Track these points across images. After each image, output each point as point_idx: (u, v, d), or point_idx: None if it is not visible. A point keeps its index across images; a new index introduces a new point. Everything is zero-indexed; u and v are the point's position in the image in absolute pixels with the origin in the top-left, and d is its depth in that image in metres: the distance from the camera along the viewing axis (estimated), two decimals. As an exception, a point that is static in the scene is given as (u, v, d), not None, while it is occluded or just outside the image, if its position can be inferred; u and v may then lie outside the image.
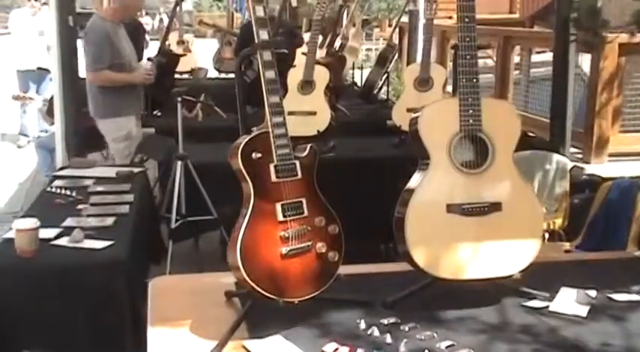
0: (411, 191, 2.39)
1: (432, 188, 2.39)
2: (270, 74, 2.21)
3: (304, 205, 2.25)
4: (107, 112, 5.15)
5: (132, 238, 3.35)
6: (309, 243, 2.25)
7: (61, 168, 4.76)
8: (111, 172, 4.55)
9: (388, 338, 2.20)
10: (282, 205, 2.21)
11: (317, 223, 2.27)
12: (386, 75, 7.23)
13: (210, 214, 4.78)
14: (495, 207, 2.41)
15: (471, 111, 2.40)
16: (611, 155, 5.64)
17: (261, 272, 2.16)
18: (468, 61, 2.41)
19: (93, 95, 5.14)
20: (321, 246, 2.26)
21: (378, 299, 2.44)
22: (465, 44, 2.40)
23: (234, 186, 4.82)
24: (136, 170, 4.64)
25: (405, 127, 5.28)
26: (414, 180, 2.42)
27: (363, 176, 5.07)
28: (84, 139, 6.85)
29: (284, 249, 2.20)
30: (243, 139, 2.19)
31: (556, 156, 4.79)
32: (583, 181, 5.02)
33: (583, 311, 2.40)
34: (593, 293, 2.53)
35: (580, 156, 5.81)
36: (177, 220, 4.72)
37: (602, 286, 2.60)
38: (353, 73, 9.11)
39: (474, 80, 2.41)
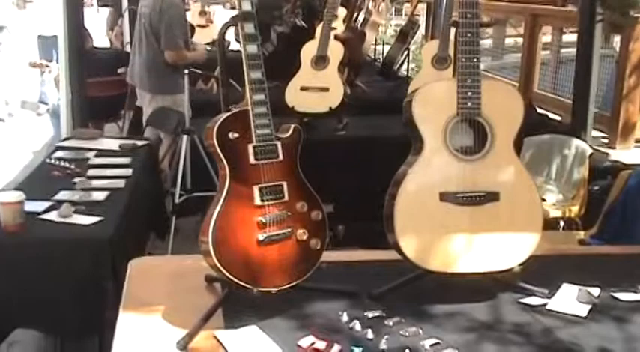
0: (402, 177, 2.24)
1: (424, 174, 2.24)
2: (252, 48, 2.06)
3: (285, 189, 2.11)
4: (171, 89, 5.20)
5: (123, 214, 3.24)
6: (289, 230, 2.11)
7: (65, 139, 4.66)
8: (115, 144, 4.45)
9: (369, 333, 2.06)
10: (260, 188, 2.07)
11: (298, 208, 2.13)
12: (407, 51, 7.04)
13: (215, 190, 4.66)
14: (492, 196, 2.25)
15: (469, 94, 2.24)
16: (638, 141, 5.44)
17: (235, 259, 2.03)
18: (468, 38, 2.24)
19: (158, 71, 5.22)
20: (302, 233, 2.13)
21: (365, 290, 2.30)
22: (466, 21, 2.23)
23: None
24: (140, 143, 4.53)
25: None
26: (406, 166, 2.26)
27: (376, 155, 4.93)
28: (100, 110, 6.81)
29: (261, 236, 2.06)
30: (219, 118, 2.04)
31: (575, 141, 4.60)
32: (605, 168, 4.82)
33: (583, 310, 2.25)
34: (596, 291, 2.37)
35: (605, 141, 5.62)
36: (181, 195, 4.63)
37: (608, 284, 2.43)
38: (375, 49, 8.91)
39: (475, 60, 2.24)
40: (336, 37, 6.46)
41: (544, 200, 4.62)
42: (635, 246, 3.10)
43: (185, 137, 4.62)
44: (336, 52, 5.18)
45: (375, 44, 8.73)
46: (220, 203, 2.03)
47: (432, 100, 2.27)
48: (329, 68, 5.14)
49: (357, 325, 2.11)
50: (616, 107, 5.48)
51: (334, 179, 4.97)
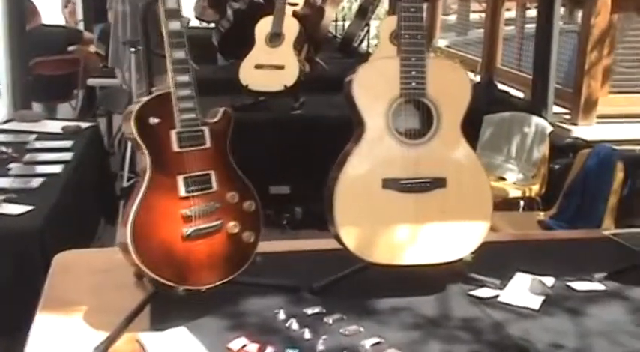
0: (342, 163, 2.08)
1: (365, 160, 2.09)
2: (175, 25, 1.88)
3: (213, 179, 1.94)
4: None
5: (57, 202, 3.06)
6: (219, 223, 1.95)
7: (6, 122, 4.44)
8: (58, 127, 4.24)
9: (307, 333, 1.91)
10: (184, 179, 1.90)
11: (229, 199, 1.96)
12: (367, 27, 6.86)
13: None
14: (439, 182, 2.11)
15: (413, 73, 2.08)
16: (600, 117, 5.33)
17: (158, 256, 1.87)
18: (411, 14, 2.08)
19: None
20: (233, 226, 1.97)
21: (305, 284, 2.15)
22: (409, -6, 2.07)
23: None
24: (84, 125, 4.32)
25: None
26: (346, 151, 2.11)
27: (334, 135, 4.75)
28: (51, 89, 6.57)
29: (186, 230, 1.90)
30: (139, 102, 1.87)
31: (535, 119, 4.49)
32: (566, 145, 4.72)
33: (536, 302, 2.12)
34: (550, 280, 2.24)
35: (568, 117, 5.51)
36: (131, 178, 4.44)
37: (563, 272, 2.31)
38: (336, 26, 8.72)
39: (419, 36, 2.09)
40: (294, 14, 6.28)
41: (504, 179, 4.51)
42: (592, 230, 2.99)
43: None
44: (291, 28, 5.00)
45: (336, 21, 8.53)
46: (140, 195, 1.86)
47: (374, 80, 2.11)
48: (284, 45, 4.96)
49: (293, 324, 1.95)
50: (578, 83, 5.36)
51: (291, 160, 4.82)
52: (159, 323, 1.93)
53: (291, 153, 4.77)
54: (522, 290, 2.19)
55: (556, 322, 2.03)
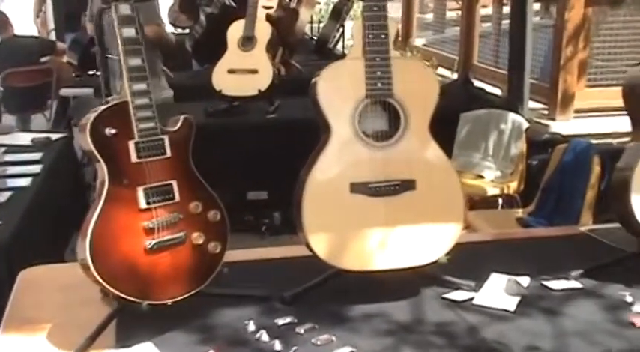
0: (309, 168, 2.03)
1: (332, 164, 2.04)
2: (129, 32, 1.82)
3: (175, 189, 1.88)
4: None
5: (25, 216, 2.99)
6: (182, 234, 1.89)
7: (-25, 135, 4.36)
8: (28, 139, 4.16)
9: (277, 344, 1.86)
10: (144, 190, 1.84)
11: (192, 210, 1.91)
12: (342, 28, 6.82)
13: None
14: (408, 185, 2.06)
15: (379, 73, 2.04)
16: (577, 111, 5.31)
17: (119, 271, 1.81)
18: (375, 13, 2.04)
19: None
20: (197, 237, 1.91)
21: (276, 294, 2.09)
22: (372, -7, 2.02)
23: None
24: (55, 136, 4.25)
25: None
26: (313, 156, 2.06)
27: (310, 138, 4.71)
28: (24, 100, 6.49)
29: (148, 242, 1.84)
30: (94, 112, 1.81)
31: (512, 115, 4.45)
32: (544, 140, 4.68)
33: (512, 304, 2.07)
34: (525, 280, 2.20)
35: (546, 112, 5.48)
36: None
37: (539, 271, 2.27)
38: (312, 28, 8.67)
39: (383, 36, 2.05)
40: (267, 17, 6.22)
41: (482, 177, 4.47)
42: (569, 227, 2.95)
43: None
44: (263, 32, 4.94)
45: (311, 22, 8.48)
46: (99, 209, 1.80)
47: (339, 82, 2.07)
48: (256, 49, 4.90)
49: (263, 335, 1.90)
50: (554, 78, 5.34)
51: (268, 164, 4.76)
52: (125, 339, 1.88)
53: (267, 157, 4.71)
54: (498, 291, 2.15)
55: (532, 323, 1.99)
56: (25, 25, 7.51)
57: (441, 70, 6.78)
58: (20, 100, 6.51)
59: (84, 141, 1.81)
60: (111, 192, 1.82)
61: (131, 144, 1.83)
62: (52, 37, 7.20)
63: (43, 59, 6.56)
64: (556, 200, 3.69)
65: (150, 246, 1.84)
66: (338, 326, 1.96)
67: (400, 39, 4.96)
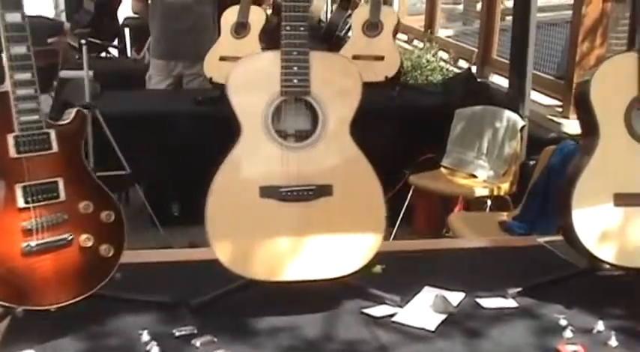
0: (217, 171, 1.88)
1: (240, 166, 1.90)
2: (14, 17, 1.69)
3: (60, 187, 1.75)
4: None
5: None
6: (68, 236, 1.76)
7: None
8: None
9: (164, 359, 1.73)
10: (23, 188, 1.71)
11: (82, 209, 1.78)
12: (350, 17, 6.61)
13: (124, 169, 4.34)
14: (324, 190, 1.90)
15: (295, 69, 1.88)
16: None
17: (-9, 274, 1.69)
18: (293, 2, 1.88)
19: None
20: (86, 239, 1.78)
21: (184, 300, 1.96)
22: (288, -19, 1.87)
23: (154, 139, 4.41)
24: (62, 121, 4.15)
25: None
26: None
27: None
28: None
29: (25, 244, 1.71)
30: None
31: (507, 113, 4.24)
32: (549, 139, 4.45)
33: (433, 323, 1.91)
34: (459, 296, 2.04)
35: (560, 110, 5.25)
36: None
37: (477, 286, 2.10)
38: (326, 14, 8.48)
39: (301, 28, 1.89)
40: (274, 3, 6.08)
41: (475, 176, 4.28)
42: (526, 238, 2.77)
43: (85, 112, 4.24)
44: (257, 18, 4.79)
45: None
46: (-29, 207, 1.67)
47: (252, 76, 1.92)
48: (250, 36, 4.75)
49: (154, 348, 1.77)
50: (569, 74, 5.11)
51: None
52: (6, 347, 1.76)
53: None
54: (424, 307, 1.99)
55: (448, 345, 1.83)
56: (36, 4, 7.46)
57: (462, 63, 6.57)
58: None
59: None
60: (-15, 189, 1.69)
61: (10, 138, 1.70)
62: (62, 17, 7.13)
63: (50, 40, 6.50)
64: (540, 204, 3.49)
65: (27, 249, 1.71)
66: (239, 341, 1.83)
67: (397, 28, 4.73)
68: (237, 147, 1.89)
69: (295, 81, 1.87)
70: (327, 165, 1.91)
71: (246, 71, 1.91)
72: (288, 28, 1.88)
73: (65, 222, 1.76)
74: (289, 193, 1.88)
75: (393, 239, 4.16)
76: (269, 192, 1.88)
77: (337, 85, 1.92)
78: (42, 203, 1.73)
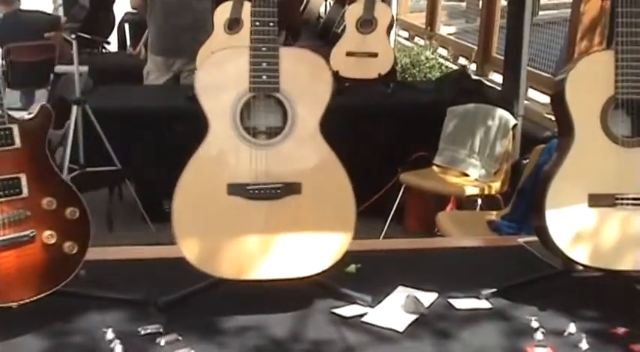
0: (183, 167, 1.86)
1: (208, 163, 1.87)
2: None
3: (23, 183, 1.74)
4: None
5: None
6: (30, 232, 1.74)
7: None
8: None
9: (127, 357, 1.71)
10: (-16, 184, 1.70)
11: (45, 206, 1.76)
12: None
13: (114, 164, 4.33)
14: (292, 188, 1.88)
15: (264, 65, 1.85)
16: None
17: (-50, 271, 1.67)
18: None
19: None
20: (49, 236, 1.76)
21: (154, 298, 1.94)
22: (257, -25, 1.84)
23: (146, 134, 4.40)
24: (27, 116, 4.13)
25: (345, 73, 4.79)
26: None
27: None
28: (27, 75, 6.45)
29: (-15, 241, 1.70)
30: None
31: (500, 112, 4.21)
32: (544, 138, 4.41)
33: (402, 324, 1.88)
34: (432, 297, 2.01)
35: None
36: (74, 170, 4.27)
37: (451, 287, 2.07)
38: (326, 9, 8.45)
39: (270, 24, 1.86)
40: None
41: (467, 175, 4.25)
42: (506, 238, 2.74)
43: (75, 107, 4.24)
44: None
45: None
46: None
47: (221, 73, 1.89)
48: (243, 32, 4.72)
49: (117, 346, 1.75)
50: (567, 73, 5.06)
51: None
52: (-30, 342, 1.74)
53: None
54: (395, 308, 1.96)
55: (416, 347, 1.80)
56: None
57: (462, 60, 6.52)
58: (23, 75, 6.46)
59: None
60: (-51, 185, 1.67)
61: (-30, 133, 1.69)
62: (60, 12, 7.13)
63: (47, 35, 6.50)
64: (529, 204, 3.45)
65: (-14, 245, 1.69)
66: (205, 340, 1.81)
67: (390, 26, 4.70)
68: (204, 144, 1.86)
69: (264, 77, 1.85)
70: (296, 163, 1.89)
71: (214, 67, 1.89)
72: (257, 23, 1.86)
73: (28, 218, 1.74)
74: (257, 191, 1.86)
75: (384, 237, 4.15)
76: (236, 189, 1.85)
77: (307, 81, 1.90)
78: (4, 199, 1.72)
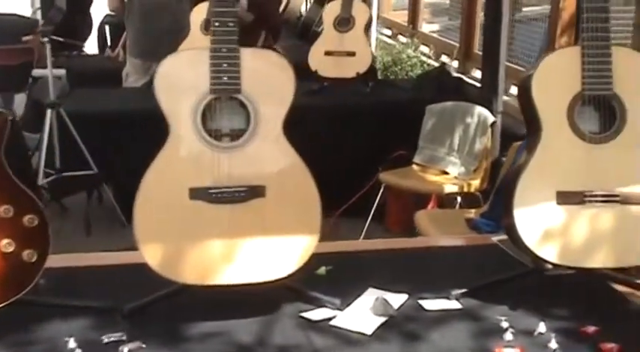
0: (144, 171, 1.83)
1: (169, 166, 1.84)
2: None
3: (-22, 191, 1.70)
4: None
5: None
6: (-13, 241, 1.71)
7: None
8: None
9: (88, 366, 1.67)
10: None
11: (2, 213, 1.72)
12: (325, 11, 6.55)
13: (90, 168, 4.29)
14: (256, 191, 1.85)
15: (225, 66, 1.82)
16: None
17: None
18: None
19: None
20: (7, 244, 1.73)
21: (114, 306, 1.90)
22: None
23: (124, 137, 4.35)
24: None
25: (323, 72, 4.77)
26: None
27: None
28: (4, 80, 6.38)
29: (-63, 250, 1.66)
30: None
31: (478, 109, 4.19)
32: (524, 135, 4.39)
33: (370, 327, 1.85)
34: (401, 298, 1.99)
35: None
36: (50, 175, 4.22)
37: (422, 288, 2.04)
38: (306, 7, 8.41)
39: (230, 24, 1.83)
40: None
41: (446, 173, 4.23)
42: (479, 236, 2.72)
43: (49, 111, 4.20)
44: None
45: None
46: None
47: (180, 74, 1.86)
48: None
49: (78, 354, 1.71)
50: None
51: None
52: None
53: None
54: (364, 310, 1.93)
55: (385, 349, 1.77)
56: (13, 2, 7.40)
57: (444, 58, 6.50)
58: (1, 79, 6.39)
59: None
60: None
61: None
62: (38, 15, 7.06)
63: (25, 38, 6.43)
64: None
65: (-60, 254, 1.65)
66: (169, 346, 1.78)
67: (368, 24, 4.69)
68: (165, 147, 1.83)
69: (225, 78, 1.82)
70: (259, 166, 1.86)
71: (173, 68, 1.85)
72: (217, 23, 1.82)
73: (-17, 227, 1.71)
74: (219, 195, 1.83)
75: (364, 237, 4.13)
76: (198, 193, 1.82)
77: (269, 82, 1.87)
78: (-42, 207, 1.68)
